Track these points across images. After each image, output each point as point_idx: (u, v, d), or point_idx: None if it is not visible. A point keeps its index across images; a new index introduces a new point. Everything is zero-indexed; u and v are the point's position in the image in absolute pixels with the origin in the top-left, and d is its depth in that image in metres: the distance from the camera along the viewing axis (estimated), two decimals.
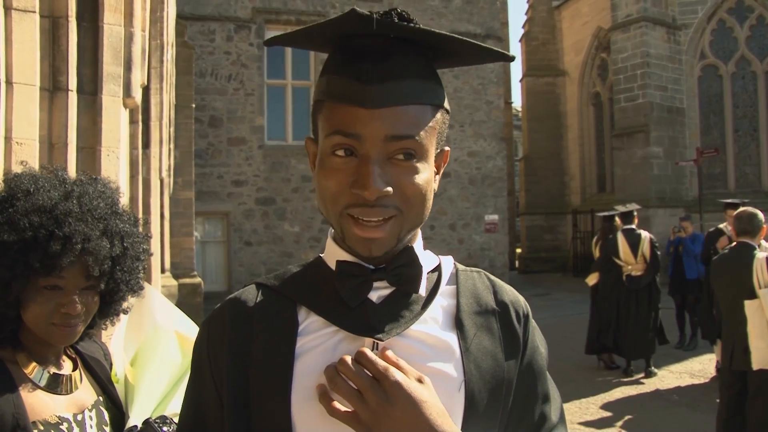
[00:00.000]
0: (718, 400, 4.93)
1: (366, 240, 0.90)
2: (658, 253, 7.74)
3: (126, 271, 1.46)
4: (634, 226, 7.83)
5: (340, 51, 0.94)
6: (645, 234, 7.73)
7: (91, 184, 1.47)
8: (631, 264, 7.60)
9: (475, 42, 0.94)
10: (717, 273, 4.70)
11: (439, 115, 0.94)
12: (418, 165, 0.91)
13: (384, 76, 0.89)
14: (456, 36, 0.91)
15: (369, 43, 0.91)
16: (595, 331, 7.89)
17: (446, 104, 0.97)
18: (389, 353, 0.89)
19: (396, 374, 0.84)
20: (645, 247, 7.57)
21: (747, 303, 4.31)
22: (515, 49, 25.27)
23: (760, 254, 4.32)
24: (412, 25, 0.88)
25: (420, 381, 0.87)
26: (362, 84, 0.89)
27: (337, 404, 0.85)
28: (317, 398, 0.88)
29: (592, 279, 8.26)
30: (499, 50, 0.98)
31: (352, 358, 0.86)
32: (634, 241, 7.63)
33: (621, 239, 7.70)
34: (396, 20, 0.87)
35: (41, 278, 1.31)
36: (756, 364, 4.26)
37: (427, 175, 0.92)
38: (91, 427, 1.40)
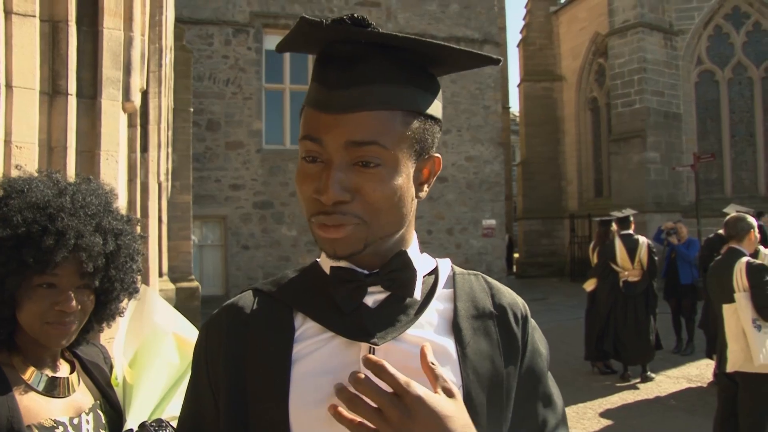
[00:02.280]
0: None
1: (329, 240, 0.90)
2: (656, 258, 7.75)
3: (120, 270, 1.46)
4: (631, 232, 7.84)
5: (318, 58, 0.94)
6: (643, 239, 7.74)
7: (83, 183, 1.49)
8: (628, 269, 7.61)
9: (444, 43, 0.92)
10: (710, 279, 4.79)
11: (415, 122, 0.92)
12: (384, 172, 0.89)
13: (348, 82, 0.88)
14: (421, 39, 0.89)
15: (342, 49, 0.90)
16: (595, 337, 7.89)
17: (431, 111, 0.94)
18: (428, 349, 0.85)
19: (418, 389, 0.81)
20: (642, 253, 7.58)
21: (725, 306, 4.38)
22: (513, 53, 25.37)
23: (743, 259, 4.38)
24: (369, 29, 0.87)
25: (449, 392, 0.83)
26: (328, 89, 0.89)
27: (358, 420, 0.82)
28: (315, 404, 0.88)
29: (589, 285, 8.26)
30: (481, 53, 0.96)
31: (365, 375, 0.83)
32: (631, 246, 7.64)
33: (619, 244, 7.72)
34: (350, 23, 0.86)
35: (35, 276, 1.32)
36: (730, 366, 4.32)
37: (396, 183, 0.90)
38: (88, 430, 1.39)
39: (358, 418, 0.83)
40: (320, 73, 0.92)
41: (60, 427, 1.33)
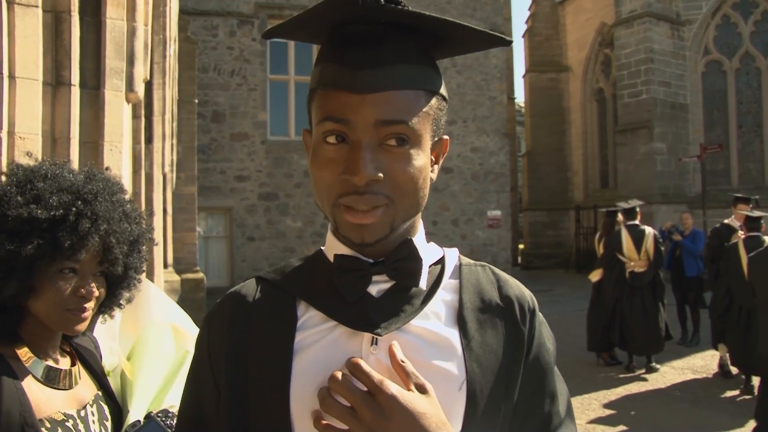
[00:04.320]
0: (723, 395, 4.95)
1: (358, 226, 0.88)
2: (662, 248, 7.71)
3: (136, 258, 1.48)
4: (637, 222, 7.81)
5: (333, 39, 0.93)
6: (649, 230, 7.71)
7: (104, 172, 1.52)
8: (634, 260, 7.58)
9: (468, 24, 0.92)
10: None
11: (434, 101, 0.92)
12: (412, 151, 0.89)
13: (375, 62, 0.87)
14: (448, 19, 0.89)
15: (360, 29, 0.89)
16: (601, 328, 7.87)
17: (443, 91, 0.95)
18: (396, 347, 0.87)
19: (391, 387, 0.81)
20: (649, 243, 7.55)
21: None
22: (518, 44, 25.24)
23: None
24: (400, 7, 0.86)
25: (422, 388, 0.84)
26: (353, 70, 0.88)
27: (331, 425, 0.83)
28: (315, 395, 0.87)
29: (595, 275, 8.22)
30: (495, 34, 0.96)
31: (342, 373, 0.84)
32: (637, 236, 7.61)
33: (625, 235, 7.68)
34: (383, 2, 0.86)
35: (59, 261, 1.31)
36: None
37: (421, 163, 0.90)
38: (94, 422, 1.39)
39: (336, 423, 0.83)
40: (340, 53, 0.90)
41: (70, 420, 1.33)
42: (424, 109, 0.90)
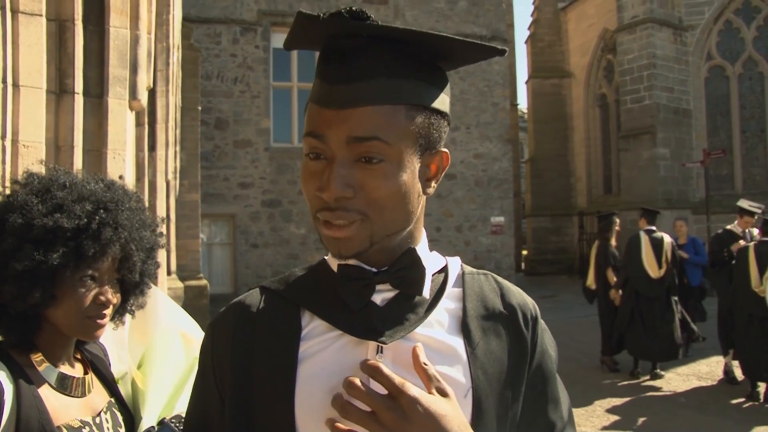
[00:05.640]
0: (728, 402, 4.94)
1: (334, 239, 0.89)
2: (678, 258, 7.65)
3: (152, 265, 1.50)
4: (654, 228, 7.74)
5: (321, 53, 0.93)
6: (667, 238, 7.59)
7: (119, 181, 1.53)
8: (652, 268, 7.44)
9: (456, 37, 0.90)
10: None
11: (419, 117, 0.90)
12: (387, 168, 0.87)
13: (349, 77, 0.86)
14: (429, 32, 0.87)
15: (345, 44, 0.88)
16: (609, 333, 7.82)
17: (437, 105, 0.92)
18: (420, 349, 0.86)
19: (412, 389, 0.80)
20: (668, 250, 7.46)
21: None
22: (521, 50, 25.30)
23: None
24: (368, 22, 0.85)
25: (443, 392, 0.83)
26: (330, 85, 0.88)
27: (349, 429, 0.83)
28: (320, 403, 0.87)
29: (613, 293, 7.91)
30: (488, 45, 0.94)
31: (360, 379, 0.83)
32: (656, 242, 7.50)
33: (645, 239, 7.57)
34: (348, 18, 0.84)
35: (81, 269, 1.32)
36: None
37: (399, 179, 0.88)
38: (108, 429, 1.40)
39: (356, 428, 0.82)
40: (322, 68, 0.90)
41: (86, 427, 1.34)
42: (403, 124, 0.88)
